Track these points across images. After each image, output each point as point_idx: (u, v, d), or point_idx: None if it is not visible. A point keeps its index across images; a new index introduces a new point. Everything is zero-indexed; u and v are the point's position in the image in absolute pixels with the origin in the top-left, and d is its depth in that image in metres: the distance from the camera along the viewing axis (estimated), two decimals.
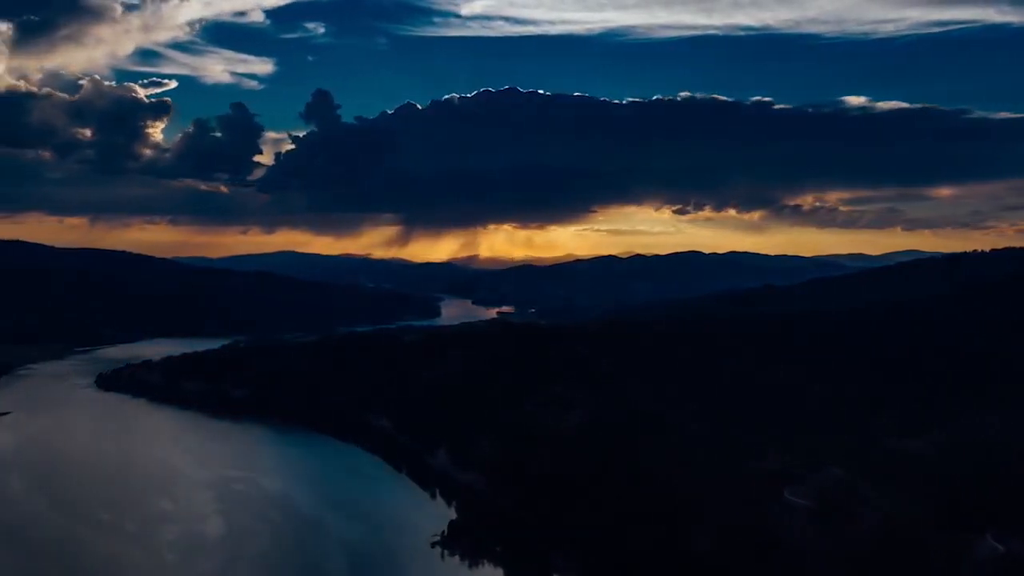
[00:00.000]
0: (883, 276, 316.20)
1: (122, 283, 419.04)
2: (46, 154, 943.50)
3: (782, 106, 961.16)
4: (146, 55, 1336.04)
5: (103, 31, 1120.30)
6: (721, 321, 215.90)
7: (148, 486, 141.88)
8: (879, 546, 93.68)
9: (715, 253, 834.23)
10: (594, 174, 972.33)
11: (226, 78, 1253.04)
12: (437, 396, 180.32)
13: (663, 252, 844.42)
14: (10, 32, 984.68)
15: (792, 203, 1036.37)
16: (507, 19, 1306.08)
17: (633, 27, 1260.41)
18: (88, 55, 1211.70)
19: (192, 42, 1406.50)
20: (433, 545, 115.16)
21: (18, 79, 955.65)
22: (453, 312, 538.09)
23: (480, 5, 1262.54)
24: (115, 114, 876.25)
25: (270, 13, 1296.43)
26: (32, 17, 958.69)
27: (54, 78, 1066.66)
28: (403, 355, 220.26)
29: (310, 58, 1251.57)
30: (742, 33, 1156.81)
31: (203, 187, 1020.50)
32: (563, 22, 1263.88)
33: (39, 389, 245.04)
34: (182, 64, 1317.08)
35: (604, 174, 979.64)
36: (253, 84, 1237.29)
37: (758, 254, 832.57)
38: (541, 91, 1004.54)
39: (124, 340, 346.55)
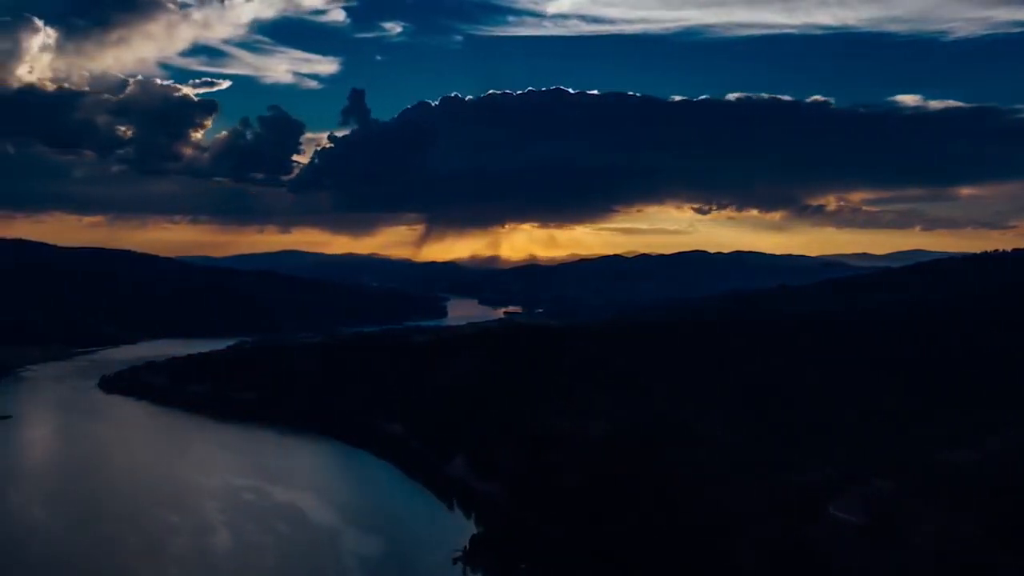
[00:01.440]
0: (899, 276, 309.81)
1: (126, 282, 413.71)
2: (89, 154, 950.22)
3: (836, 105, 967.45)
4: (210, 53, 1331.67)
5: (156, 28, 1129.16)
6: (740, 322, 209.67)
7: (153, 496, 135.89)
8: (935, 566, 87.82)
9: (721, 252, 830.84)
10: (624, 173, 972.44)
11: (287, 78, 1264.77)
12: (451, 400, 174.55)
13: (678, 251, 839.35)
14: (62, 30, 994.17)
15: (814, 203, 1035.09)
16: (584, 18, 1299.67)
17: (711, 25, 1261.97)
18: (141, 53, 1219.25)
19: (259, 41, 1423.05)
20: (455, 561, 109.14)
21: (65, 78, 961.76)
22: (460, 312, 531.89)
23: (563, 4, 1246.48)
24: (158, 114, 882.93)
25: (351, 11, 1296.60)
26: (85, 14, 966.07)
27: (102, 77, 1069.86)
28: (414, 357, 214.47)
29: (379, 57, 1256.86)
30: (819, 32, 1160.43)
31: (234, 187, 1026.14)
32: (641, 20, 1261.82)
33: (41, 391, 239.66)
34: (245, 63, 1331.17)
35: (632, 173, 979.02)
36: (312, 84, 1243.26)
37: (764, 253, 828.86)
38: (593, 91, 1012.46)
39: (127, 340, 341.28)
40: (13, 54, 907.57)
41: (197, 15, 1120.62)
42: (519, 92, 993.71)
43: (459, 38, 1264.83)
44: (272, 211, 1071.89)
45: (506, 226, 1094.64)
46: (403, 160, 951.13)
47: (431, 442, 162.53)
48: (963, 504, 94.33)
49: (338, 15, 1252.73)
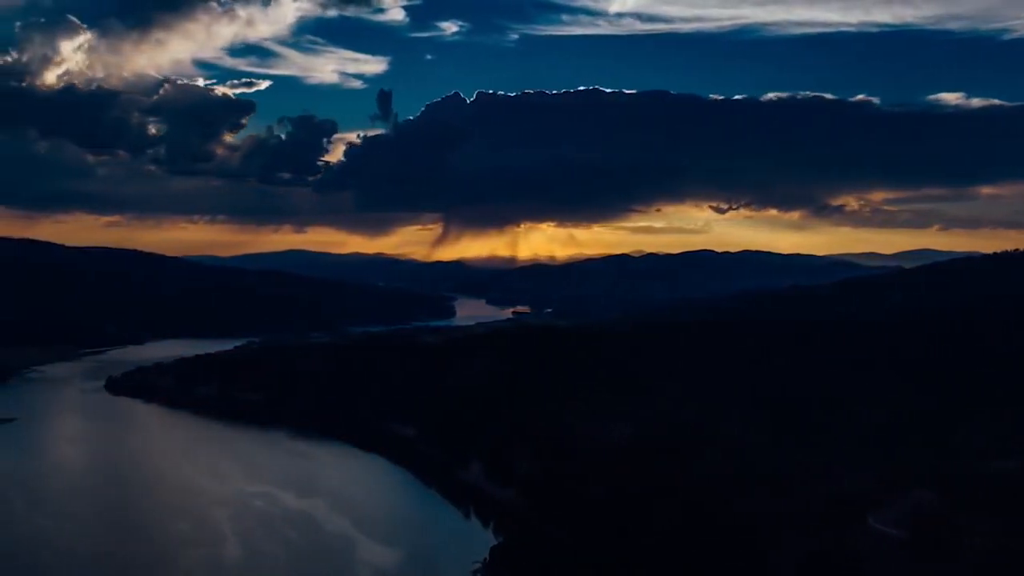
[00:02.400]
0: (914, 276, 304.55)
1: (133, 283, 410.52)
2: (122, 154, 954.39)
3: (880, 103, 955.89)
4: (258, 52, 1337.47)
5: (197, 28, 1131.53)
6: (757, 323, 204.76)
7: (162, 504, 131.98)
8: None
9: (728, 252, 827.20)
10: (647, 172, 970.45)
11: (331, 78, 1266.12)
12: (464, 403, 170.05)
13: (686, 250, 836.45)
14: (100, 30, 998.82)
15: (834, 203, 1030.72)
16: (640, 16, 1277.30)
17: (767, 24, 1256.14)
18: (181, 53, 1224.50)
19: (310, 40, 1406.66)
20: (474, 573, 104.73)
21: (102, 78, 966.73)
22: (468, 312, 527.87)
23: (627, 2, 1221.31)
24: (191, 114, 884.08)
25: (411, 10, 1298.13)
26: (124, 15, 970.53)
27: (139, 78, 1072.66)
28: (425, 358, 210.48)
29: (428, 57, 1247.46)
30: (876, 30, 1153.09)
31: (259, 187, 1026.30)
32: (697, 19, 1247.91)
33: (46, 393, 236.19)
34: (291, 63, 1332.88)
35: (655, 172, 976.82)
36: (356, 84, 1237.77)
37: (772, 253, 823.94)
38: (631, 90, 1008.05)
39: (134, 341, 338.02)
40: (51, 55, 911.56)
41: (242, 13, 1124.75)
42: (554, 92, 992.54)
43: (515, 37, 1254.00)
44: (291, 211, 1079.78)
45: (522, 225, 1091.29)
46: (426, 159, 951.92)
47: (445, 446, 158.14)
48: (1013, 516, 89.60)
49: (397, 14, 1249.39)
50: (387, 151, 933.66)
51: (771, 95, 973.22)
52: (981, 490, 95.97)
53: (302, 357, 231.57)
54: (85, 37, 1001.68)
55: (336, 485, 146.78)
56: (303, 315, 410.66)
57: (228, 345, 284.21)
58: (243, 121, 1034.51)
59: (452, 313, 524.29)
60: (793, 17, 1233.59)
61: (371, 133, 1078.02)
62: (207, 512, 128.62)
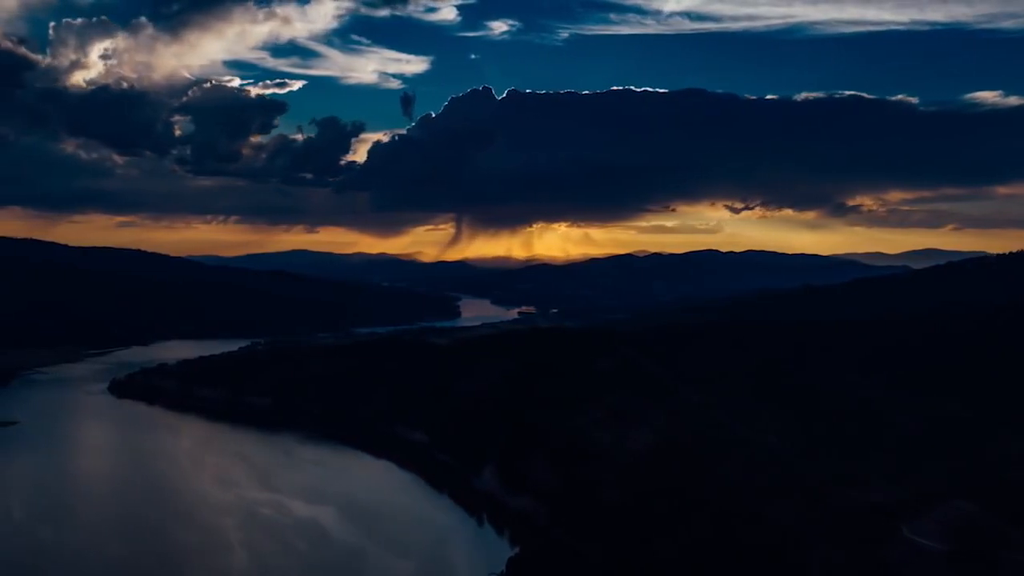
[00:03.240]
0: (926, 276, 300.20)
1: (136, 283, 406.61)
2: (149, 155, 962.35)
3: (919, 102, 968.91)
4: (300, 53, 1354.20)
5: (233, 28, 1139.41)
6: (775, 325, 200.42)
7: (168, 511, 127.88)
8: None
9: (731, 252, 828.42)
10: (665, 171, 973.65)
11: (370, 78, 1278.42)
12: (476, 407, 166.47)
13: (689, 250, 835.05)
14: (135, 31, 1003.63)
15: (851, 202, 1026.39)
16: (690, 15, 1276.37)
17: (816, 23, 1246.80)
18: (217, 53, 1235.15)
19: (354, 39, 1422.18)
20: None
21: (135, 78, 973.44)
22: (473, 312, 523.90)
23: (681, 2, 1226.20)
24: (220, 115, 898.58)
25: (464, 9, 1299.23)
26: (160, 15, 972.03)
27: (170, 78, 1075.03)
28: (435, 360, 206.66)
29: (472, 56, 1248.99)
30: (926, 28, 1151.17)
31: (280, 187, 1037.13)
32: (747, 18, 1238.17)
33: (50, 395, 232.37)
34: (332, 62, 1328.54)
35: (674, 171, 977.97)
36: (394, 84, 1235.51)
37: (775, 252, 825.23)
38: (664, 90, 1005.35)
39: (138, 341, 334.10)
40: (83, 56, 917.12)
41: (282, 12, 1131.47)
42: (586, 92, 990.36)
43: (565, 35, 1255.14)
44: (308, 211, 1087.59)
45: (535, 225, 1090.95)
46: (444, 159, 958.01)
47: (457, 452, 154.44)
48: None
49: (449, 13, 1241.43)
50: (406, 151, 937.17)
51: (806, 95, 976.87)
52: (1018, 500, 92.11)
53: (309, 359, 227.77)
54: (118, 38, 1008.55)
55: (346, 492, 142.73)
56: (307, 316, 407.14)
57: (232, 346, 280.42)
58: (274, 122, 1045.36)
59: (457, 313, 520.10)
60: (844, 16, 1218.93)
61: (400, 132, 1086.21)
62: (214, 521, 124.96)
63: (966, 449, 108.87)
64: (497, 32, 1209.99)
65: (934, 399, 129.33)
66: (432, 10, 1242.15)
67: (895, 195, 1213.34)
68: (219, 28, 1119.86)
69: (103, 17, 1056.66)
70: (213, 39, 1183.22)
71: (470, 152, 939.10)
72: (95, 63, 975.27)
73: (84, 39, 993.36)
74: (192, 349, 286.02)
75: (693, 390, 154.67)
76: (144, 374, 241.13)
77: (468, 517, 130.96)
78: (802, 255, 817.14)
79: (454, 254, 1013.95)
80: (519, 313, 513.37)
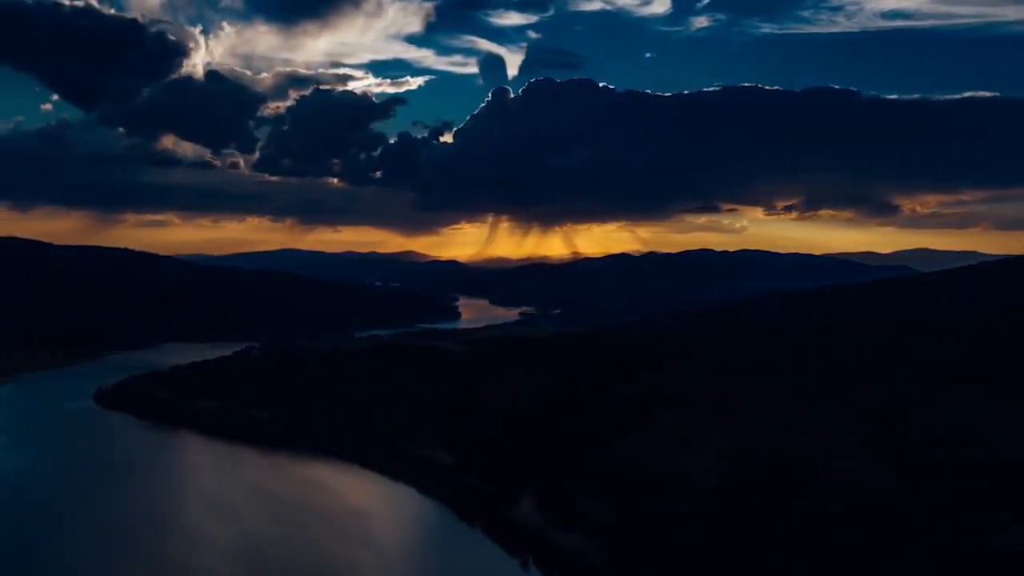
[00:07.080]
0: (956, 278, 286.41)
1: (126, 283, 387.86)
2: (235, 155, 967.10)
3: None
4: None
5: (354, 24, 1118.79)
6: (827, 333, 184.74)
7: (158, 550, 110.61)
8: None
9: (727, 252, 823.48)
10: (709, 172, 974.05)
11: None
12: (506, 424, 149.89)
13: (684, 249, 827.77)
14: (245, 25, 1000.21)
15: (894, 203, 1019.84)
16: (885, 14, 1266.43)
17: (1011, 22, 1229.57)
18: (334, 48, 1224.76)
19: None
20: None
21: (239, 74, 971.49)
22: (472, 313, 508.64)
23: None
24: (319, 115, 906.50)
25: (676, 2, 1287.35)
26: (274, 11, 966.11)
27: (276, 75, 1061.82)
28: (450, 368, 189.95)
29: (648, 55, 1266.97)
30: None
31: (338, 187, 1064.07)
32: (940, 16, 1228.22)
33: (30, 405, 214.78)
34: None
35: (719, 172, 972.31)
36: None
37: (771, 252, 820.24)
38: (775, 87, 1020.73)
39: (127, 346, 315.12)
40: (196, 50, 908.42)
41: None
42: (705, 89, 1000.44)
43: (766, 30, 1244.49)
44: (333, 209, 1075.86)
45: (564, 226, 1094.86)
46: (484, 161, 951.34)
47: (487, 476, 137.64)
48: None
49: (660, 6, 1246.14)
50: (459, 152, 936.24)
51: (915, 95, 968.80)
52: None
53: (311, 367, 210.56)
54: (232, 32, 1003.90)
55: (364, 523, 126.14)
56: (303, 317, 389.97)
57: (227, 350, 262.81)
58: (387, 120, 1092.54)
59: (457, 314, 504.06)
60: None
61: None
62: (210, 559, 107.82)
63: None
64: (693, 28, 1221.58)
65: None
66: (645, 3, 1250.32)
67: (933, 197, 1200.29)
68: (337, 24, 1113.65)
69: (212, 11, 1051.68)
70: (331, 34, 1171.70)
71: (542, 152, 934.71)
72: (204, 58, 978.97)
73: (195, 33, 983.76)
74: (184, 353, 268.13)
75: (749, 405, 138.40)
76: (132, 382, 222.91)
77: (507, 556, 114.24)
78: (796, 254, 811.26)
79: (444, 253, 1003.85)
80: (520, 314, 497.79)
